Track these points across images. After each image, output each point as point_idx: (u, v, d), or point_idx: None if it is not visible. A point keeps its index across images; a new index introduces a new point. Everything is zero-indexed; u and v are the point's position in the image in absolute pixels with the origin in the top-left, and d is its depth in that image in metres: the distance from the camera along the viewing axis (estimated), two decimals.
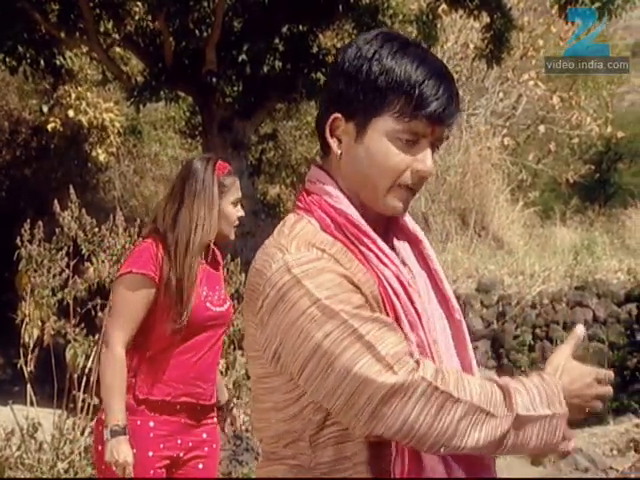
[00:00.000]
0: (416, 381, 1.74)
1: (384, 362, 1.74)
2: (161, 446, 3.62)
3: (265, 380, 1.90)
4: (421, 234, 2.06)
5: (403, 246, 2.02)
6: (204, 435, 3.76)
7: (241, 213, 3.78)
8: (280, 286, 1.80)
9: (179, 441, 3.68)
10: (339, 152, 1.93)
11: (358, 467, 1.84)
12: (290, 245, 1.84)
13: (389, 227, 2.02)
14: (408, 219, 2.05)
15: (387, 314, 1.85)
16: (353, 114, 1.89)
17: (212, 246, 3.79)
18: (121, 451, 3.48)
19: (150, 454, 3.60)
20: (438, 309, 2.00)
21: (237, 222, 3.77)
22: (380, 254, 1.89)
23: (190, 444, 3.71)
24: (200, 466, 3.77)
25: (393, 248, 1.99)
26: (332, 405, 1.78)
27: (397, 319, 1.85)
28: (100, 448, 3.63)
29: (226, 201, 3.72)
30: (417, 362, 1.77)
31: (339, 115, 1.91)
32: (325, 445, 1.85)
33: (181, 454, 3.69)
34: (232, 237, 3.78)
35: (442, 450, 1.76)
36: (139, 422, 3.59)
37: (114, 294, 3.74)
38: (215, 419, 3.84)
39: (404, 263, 1.97)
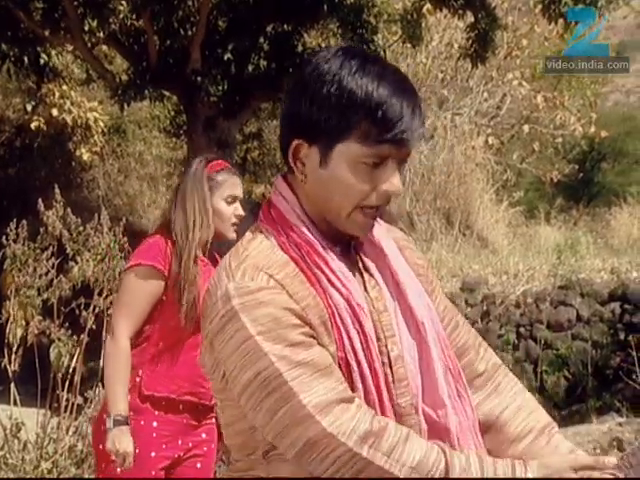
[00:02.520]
0: (335, 439, 1.70)
1: (305, 411, 1.71)
2: (163, 446, 3.64)
3: (219, 394, 1.92)
4: (387, 246, 2.00)
5: (372, 258, 1.98)
6: (203, 435, 3.79)
7: (239, 211, 3.77)
8: (221, 315, 1.79)
9: (180, 442, 3.70)
10: (302, 177, 1.88)
11: None
12: (237, 270, 1.81)
13: (358, 241, 1.98)
14: (377, 229, 1.99)
15: (335, 338, 1.81)
16: (316, 139, 1.84)
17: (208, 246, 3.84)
18: (122, 441, 3.50)
19: (152, 454, 3.61)
20: (405, 324, 1.95)
21: (234, 220, 3.76)
22: (331, 276, 1.84)
23: (190, 444, 3.74)
24: (198, 465, 3.79)
25: (361, 262, 1.96)
26: (265, 437, 1.80)
27: (343, 346, 1.81)
28: (101, 447, 3.64)
29: (217, 197, 3.74)
30: (354, 411, 1.73)
31: (301, 141, 1.86)
32: (281, 460, 1.82)
33: (181, 454, 3.72)
34: (231, 235, 3.76)
35: None
36: (143, 422, 3.62)
37: (121, 285, 3.79)
38: (214, 420, 3.85)
39: (370, 277, 1.94)
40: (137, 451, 3.55)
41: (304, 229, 1.88)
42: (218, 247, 3.90)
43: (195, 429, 3.75)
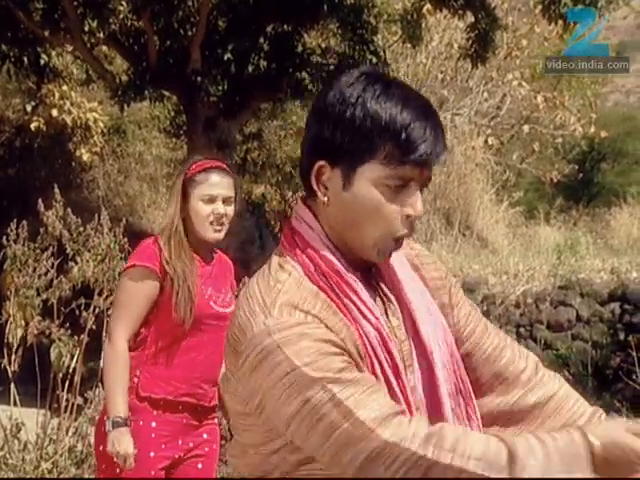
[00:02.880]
0: (399, 446, 1.69)
1: (364, 427, 1.70)
2: (163, 446, 3.65)
3: (244, 417, 1.89)
4: (400, 269, 1.99)
5: (389, 283, 1.97)
6: (205, 435, 3.80)
7: (219, 210, 3.73)
8: (260, 350, 1.76)
9: (180, 442, 3.70)
10: (325, 199, 1.87)
11: None
12: (273, 308, 1.78)
13: (377, 266, 1.97)
14: (394, 256, 1.96)
15: (368, 368, 1.82)
16: (339, 161, 1.84)
17: (216, 249, 3.90)
18: (122, 442, 3.50)
19: (152, 454, 3.62)
20: (419, 355, 1.94)
21: (212, 219, 3.72)
22: (361, 306, 1.85)
23: (191, 444, 3.73)
24: (199, 466, 3.80)
25: (380, 288, 1.96)
26: (319, 459, 1.78)
27: (375, 376, 1.81)
28: (101, 448, 3.64)
29: (195, 197, 3.72)
30: (409, 421, 1.73)
31: (324, 162, 1.85)
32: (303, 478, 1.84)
33: (182, 454, 3.72)
34: (209, 236, 3.74)
35: None
36: (141, 422, 3.62)
37: (118, 288, 3.81)
38: (216, 420, 3.85)
39: (390, 303, 1.94)
40: (136, 451, 3.56)
41: (331, 257, 1.87)
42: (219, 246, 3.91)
43: (196, 429, 3.75)
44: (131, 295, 3.66)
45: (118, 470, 3.61)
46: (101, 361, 3.91)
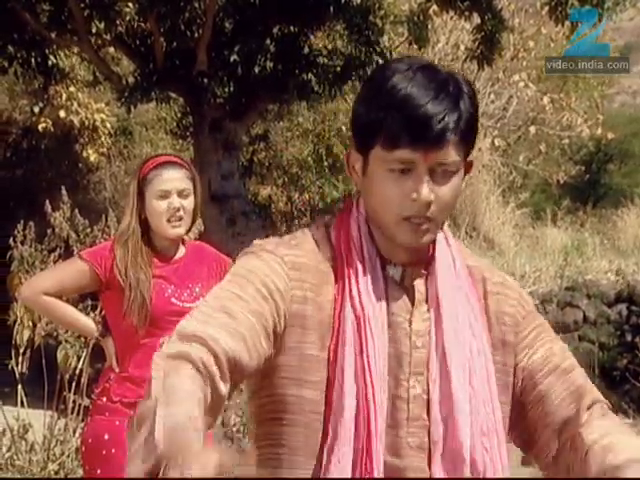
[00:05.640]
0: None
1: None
2: None
3: None
4: (450, 287, 1.87)
5: (434, 293, 1.87)
6: None
7: (174, 204, 3.67)
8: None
9: None
10: (356, 186, 1.90)
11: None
12: (268, 241, 1.88)
13: (432, 265, 1.88)
14: (444, 256, 1.89)
15: (330, 348, 1.78)
16: (357, 144, 1.84)
17: (186, 243, 3.85)
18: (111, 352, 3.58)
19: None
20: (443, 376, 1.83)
21: (168, 214, 3.66)
22: (354, 289, 1.80)
23: None
24: None
25: (418, 290, 1.86)
26: None
27: (336, 353, 1.77)
28: (84, 449, 3.64)
29: (150, 196, 3.68)
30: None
31: (353, 149, 1.86)
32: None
33: None
34: (170, 232, 3.69)
35: None
36: (117, 422, 3.59)
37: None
38: None
39: (425, 310, 1.85)
40: (113, 451, 3.54)
41: (355, 233, 1.86)
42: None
43: None
44: (64, 270, 3.80)
45: (99, 471, 3.61)
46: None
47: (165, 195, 3.67)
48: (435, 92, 1.74)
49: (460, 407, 1.80)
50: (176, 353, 1.64)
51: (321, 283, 1.82)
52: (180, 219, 3.67)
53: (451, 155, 1.76)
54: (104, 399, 3.64)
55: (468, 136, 1.80)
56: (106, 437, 3.57)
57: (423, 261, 1.89)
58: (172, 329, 3.70)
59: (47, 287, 3.71)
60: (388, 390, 1.79)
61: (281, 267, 1.80)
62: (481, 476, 1.79)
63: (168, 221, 3.66)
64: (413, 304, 1.86)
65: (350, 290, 1.80)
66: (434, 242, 1.88)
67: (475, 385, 1.83)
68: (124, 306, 3.59)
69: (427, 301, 1.87)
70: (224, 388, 1.64)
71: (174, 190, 3.67)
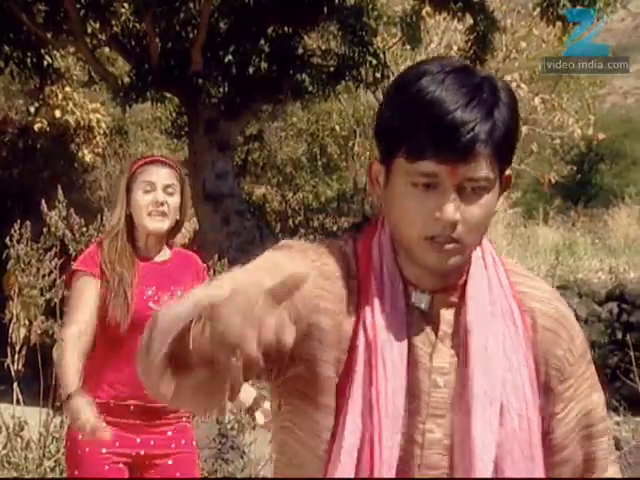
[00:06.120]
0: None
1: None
2: (117, 444, 3.57)
3: None
4: (477, 325, 1.63)
5: (464, 325, 1.64)
6: (169, 433, 3.70)
7: (159, 198, 3.63)
8: None
9: (138, 440, 3.64)
10: (378, 200, 1.69)
11: None
12: (299, 242, 1.72)
13: (464, 292, 1.66)
14: (479, 285, 1.66)
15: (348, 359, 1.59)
16: (380, 154, 1.64)
17: (172, 247, 3.82)
18: (79, 410, 3.33)
19: (103, 451, 3.55)
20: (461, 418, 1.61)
21: (151, 207, 3.62)
22: (368, 317, 1.60)
23: (152, 442, 3.65)
24: (170, 462, 3.70)
25: (454, 324, 1.65)
26: None
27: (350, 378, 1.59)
28: (65, 452, 3.66)
29: (136, 190, 3.67)
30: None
31: (376, 160, 1.66)
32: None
33: (141, 452, 3.65)
34: (150, 226, 3.64)
35: None
36: None
37: (70, 294, 3.82)
38: (185, 418, 3.76)
39: (450, 344, 1.64)
40: (87, 450, 3.54)
41: (376, 253, 1.68)
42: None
43: (155, 427, 3.67)
44: (80, 297, 3.64)
45: (76, 472, 3.61)
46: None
47: (151, 188, 3.65)
48: (466, 98, 1.53)
49: (479, 454, 1.57)
50: None
51: (344, 300, 1.63)
52: (163, 214, 3.65)
53: (482, 170, 1.55)
54: None
55: (504, 149, 1.57)
56: (80, 437, 3.54)
57: (455, 287, 1.67)
58: None
59: (79, 320, 3.62)
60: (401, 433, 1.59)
61: (309, 270, 1.58)
62: None
63: (150, 214, 3.63)
64: (437, 336, 1.65)
65: (365, 317, 1.61)
66: (468, 265, 1.67)
67: (508, 428, 1.60)
68: (107, 299, 3.57)
69: (456, 333, 1.65)
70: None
71: (159, 184, 3.65)
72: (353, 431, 1.57)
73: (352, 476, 1.56)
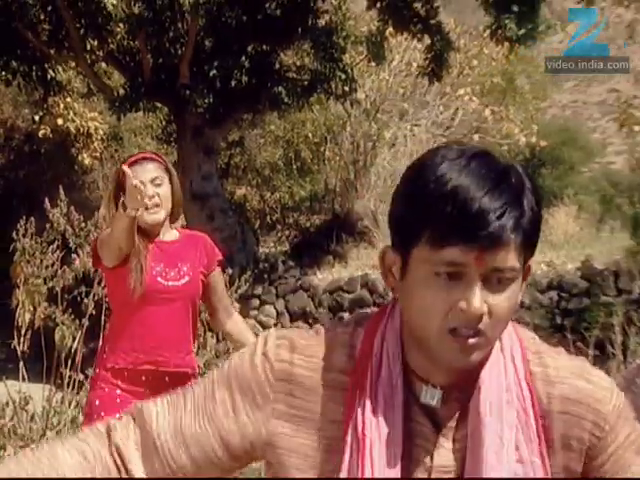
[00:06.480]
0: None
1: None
2: None
3: None
4: (489, 418, 1.35)
5: (472, 423, 1.36)
6: None
7: (149, 192, 3.56)
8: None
9: None
10: (393, 291, 1.42)
11: None
12: (279, 338, 1.44)
13: (475, 384, 1.38)
14: (493, 377, 1.38)
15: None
16: (396, 243, 1.38)
17: (179, 231, 3.82)
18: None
19: (117, 416, 3.56)
20: None
21: (146, 201, 3.52)
22: (359, 406, 1.35)
23: None
24: None
25: (458, 417, 1.38)
26: None
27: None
28: (83, 418, 3.64)
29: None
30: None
31: (389, 248, 1.40)
32: None
33: None
34: (146, 219, 3.58)
35: None
36: (107, 389, 3.57)
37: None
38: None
39: (445, 440, 1.36)
40: (102, 414, 3.51)
41: (377, 346, 1.41)
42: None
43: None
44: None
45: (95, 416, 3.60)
46: (100, 340, 3.86)
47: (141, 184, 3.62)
48: (493, 183, 1.29)
49: None
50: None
51: (324, 400, 1.38)
52: (157, 205, 3.62)
53: (510, 260, 1.31)
54: (98, 370, 3.64)
55: (531, 238, 1.34)
56: (97, 403, 3.57)
57: (469, 382, 1.38)
58: (161, 305, 3.65)
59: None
60: None
61: (267, 376, 1.39)
62: None
63: (146, 209, 3.58)
64: (440, 432, 1.37)
65: (355, 416, 1.35)
66: (484, 362, 1.38)
67: None
68: (128, 272, 3.54)
69: (461, 427, 1.37)
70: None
71: (147, 179, 3.60)
72: None
73: None
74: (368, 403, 1.34)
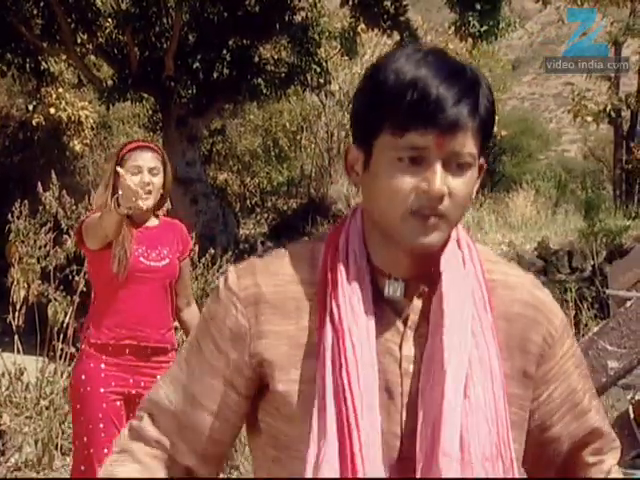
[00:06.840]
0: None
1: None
2: (112, 384, 3.56)
3: None
4: (450, 309, 1.33)
5: (434, 314, 1.34)
6: (158, 377, 3.54)
7: (145, 179, 3.56)
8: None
9: (131, 380, 3.60)
10: (356, 187, 1.39)
11: None
12: (239, 270, 1.40)
13: (437, 279, 1.36)
14: (452, 273, 1.35)
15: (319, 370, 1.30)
16: (357, 137, 1.35)
17: (160, 218, 3.79)
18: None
19: (102, 390, 3.55)
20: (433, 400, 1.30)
21: (140, 187, 3.48)
22: (334, 307, 1.31)
23: (142, 383, 3.57)
24: None
25: (421, 311, 1.35)
26: None
27: (321, 377, 1.29)
28: (70, 389, 3.63)
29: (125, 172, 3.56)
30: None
31: (352, 144, 1.37)
32: None
33: (133, 391, 3.58)
34: (140, 203, 3.47)
35: None
36: (92, 364, 3.57)
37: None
38: (171, 363, 3.73)
39: (420, 332, 1.34)
40: (88, 389, 3.53)
41: (342, 246, 1.37)
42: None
43: (146, 369, 3.62)
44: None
45: (78, 406, 3.61)
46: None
47: (138, 171, 3.59)
48: (450, 73, 1.29)
49: (446, 418, 1.27)
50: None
51: (296, 311, 1.34)
52: (149, 192, 3.60)
53: (468, 145, 1.30)
54: (83, 345, 3.64)
55: (486, 126, 1.33)
56: (83, 377, 3.58)
57: (428, 275, 1.36)
58: (142, 283, 3.62)
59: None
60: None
61: (235, 306, 1.35)
62: None
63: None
64: (406, 325, 1.35)
65: (331, 308, 1.31)
66: (442, 253, 1.36)
67: (472, 399, 1.30)
68: (112, 255, 3.52)
69: (424, 321, 1.35)
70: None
71: (145, 167, 3.59)
72: (330, 416, 1.27)
73: (335, 455, 1.26)
74: (344, 296, 1.31)
